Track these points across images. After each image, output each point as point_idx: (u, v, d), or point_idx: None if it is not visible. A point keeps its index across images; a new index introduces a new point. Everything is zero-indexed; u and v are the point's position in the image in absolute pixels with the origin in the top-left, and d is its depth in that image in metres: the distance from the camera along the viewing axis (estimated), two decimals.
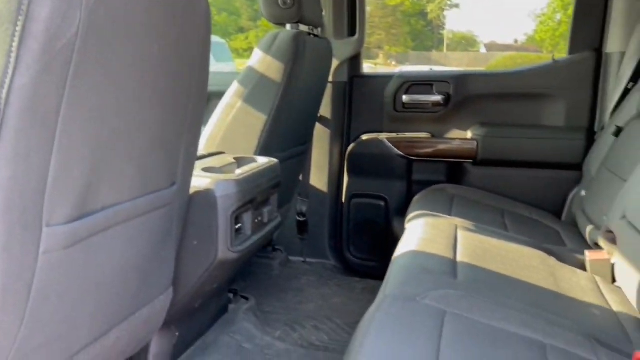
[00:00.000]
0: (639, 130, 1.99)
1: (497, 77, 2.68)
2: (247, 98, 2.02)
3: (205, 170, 1.61)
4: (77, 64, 0.82)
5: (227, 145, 1.99)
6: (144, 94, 1.04)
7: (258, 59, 2.04)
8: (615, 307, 1.49)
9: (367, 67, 3.16)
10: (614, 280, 1.68)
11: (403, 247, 1.61)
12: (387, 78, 2.72)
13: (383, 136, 2.71)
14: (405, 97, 2.65)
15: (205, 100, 1.31)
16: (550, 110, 2.51)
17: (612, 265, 1.68)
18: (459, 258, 1.55)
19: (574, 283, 1.59)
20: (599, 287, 1.62)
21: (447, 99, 2.62)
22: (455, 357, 1.03)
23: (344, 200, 2.78)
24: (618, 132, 2.14)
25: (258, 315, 2.11)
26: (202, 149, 1.97)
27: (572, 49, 2.49)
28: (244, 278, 2.47)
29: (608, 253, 1.73)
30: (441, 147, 2.66)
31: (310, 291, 2.49)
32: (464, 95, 2.61)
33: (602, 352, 1.17)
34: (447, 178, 2.65)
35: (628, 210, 1.63)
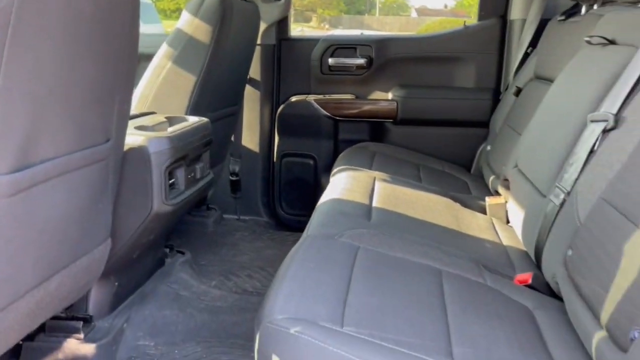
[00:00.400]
0: (534, 90, 2.24)
1: (414, 42, 2.86)
2: (176, 59, 2.09)
3: (138, 128, 1.69)
4: (14, 25, 0.89)
5: (158, 106, 2.06)
6: (78, 53, 1.11)
7: (186, 21, 2.10)
8: (506, 242, 1.74)
9: (298, 31, 3.25)
10: (508, 222, 1.93)
11: (326, 196, 1.78)
12: (313, 41, 2.84)
13: (311, 98, 2.85)
14: (331, 60, 2.79)
15: (137, 59, 1.39)
16: (461, 73, 2.73)
17: (507, 208, 1.94)
18: (374, 204, 1.74)
19: (473, 223, 1.83)
20: (494, 226, 1.87)
21: (370, 62, 2.78)
22: (365, 281, 1.21)
23: (275, 159, 2.92)
24: (518, 92, 2.39)
25: (194, 268, 2.23)
26: (133, 109, 2.03)
27: (481, 16, 2.72)
28: (179, 235, 2.57)
29: (504, 198, 1.98)
30: (364, 107, 2.83)
31: (244, 245, 2.63)
32: (385, 59, 2.78)
33: (488, 275, 1.40)
34: (370, 137, 2.84)
35: (519, 160, 1.87)
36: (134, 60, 1.37)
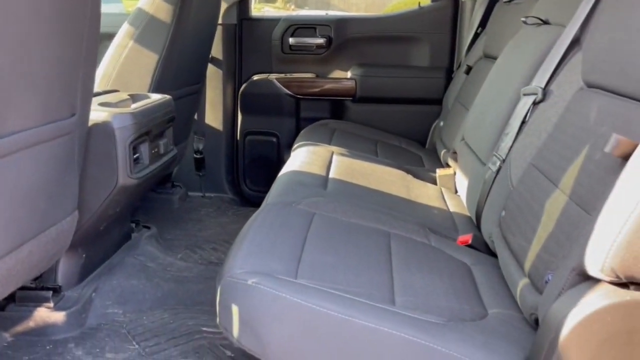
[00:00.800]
0: (482, 68, 2.37)
1: (371, 21, 2.97)
2: (137, 38, 2.13)
3: (102, 105, 1.75)
4: None
5: (121, 84, 2.11)
6: (41, 31, 1.17)
7: (146, 1, 2.14)
8: (452, 209, 1.88)
9: (263, 12, 3.30)
10: (457, 192, 2.08)
11: (285, 168, 1.88)
12: (274, 21, 2.91)
13: (273, 76, 2.93)
14: (291, 40, 2.87)
15: (99, 37, 1.44)
16: (416, 52, 2.86)
17: (455, 179, 2.08)
18: (331, 175, 1.86)
19: (423, 193, 1.96)
20: (443, 195, 2.01)
21: (329, 41, 2.87)
22: (318, 242, 1.32)
23: (238, 137, 2.99)
24: (468, 70, 2.53)
25: (160, 241, 2.31)
26: (96, 88, 2.07)
27: None
28: (145, 212, 2.63)
29: (453, 169, 2.12)
30: (325, 86, 2.93)
31: (209, 220, 2.71)
32: (343, 38, 2.88)
33: (433, 237, 1.53)
34: (331, 114, 2.94)
35: (465, 133, 2.01)
36: (96, 38, 1.43)
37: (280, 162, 2.97)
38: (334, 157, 2.10)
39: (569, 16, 1.50)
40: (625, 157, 0.96)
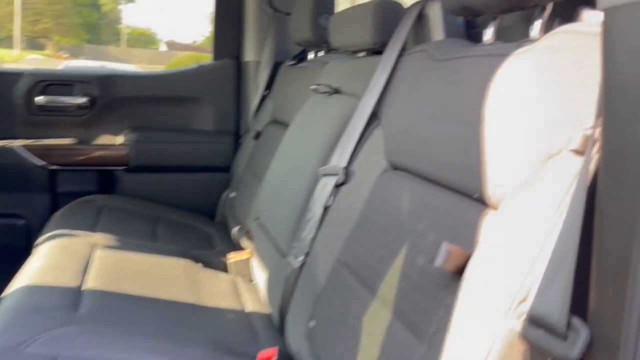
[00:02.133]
0: (272, 134, 2.17)
1: (146, 79, 2.58)
2: None
3: None
4: None
5: None
6: None
7: None
8: (250, 307, 1.56)
9: (29, 59, 2.64)
10: (252, 280, 1.77)
11: (17, 282, 1.35)
12: (14, 75, 2.32)
13: (17, 143, 2.31)
14: (41, 99, 2.31)
15: None
16: (200, 114, 2.54)
17: (251, 264, 1.78)
18: (87, 285, 1.38)
19: (214, 289, 1.61)
20: (237, 288, 1.68)
21: (93, 101, 2.38)
22: None
23: None
24: (257, 135, 2.31)
25: None
26: None
27: (216, 56, 2.58)
28: None
29: (248, 253, 1.82)
30: (90, 154, 2.41)
31: None
32: (111, 97, 2.42)
33: None
34: (99, 188, 2.43)
35: (260, 212, 1.74)
36: None
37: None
38: (96, 252, 1.62)
39: (362, 87, 1.34)
40: (460, 271, 0.76)
